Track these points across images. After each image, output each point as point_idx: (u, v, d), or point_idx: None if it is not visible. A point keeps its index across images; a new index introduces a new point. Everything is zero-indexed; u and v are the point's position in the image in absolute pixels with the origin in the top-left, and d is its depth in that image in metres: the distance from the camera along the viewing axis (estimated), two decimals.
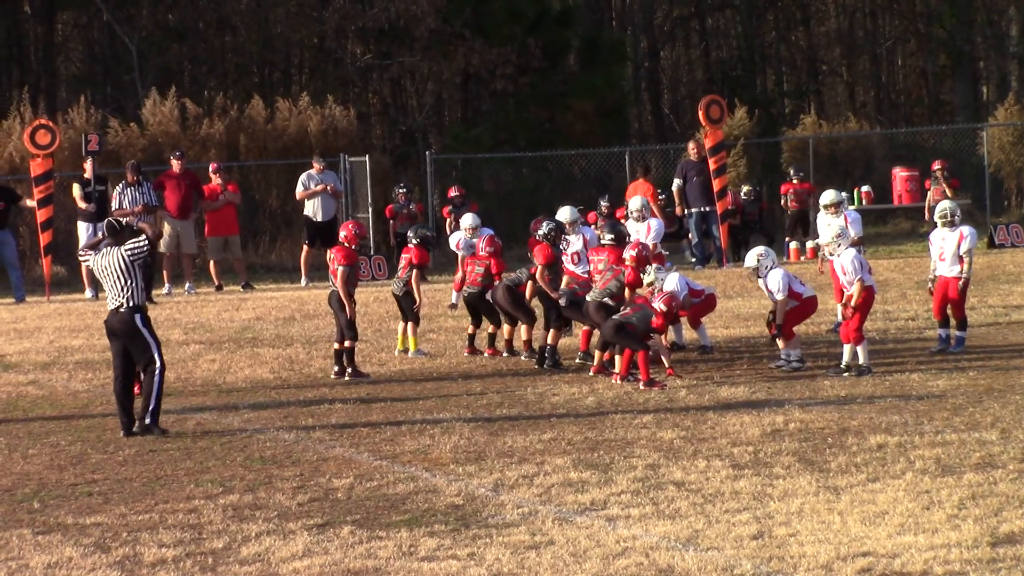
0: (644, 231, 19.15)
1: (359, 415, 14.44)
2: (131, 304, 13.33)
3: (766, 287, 16.31)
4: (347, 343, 16.56)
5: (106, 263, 13.43)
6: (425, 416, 14.17)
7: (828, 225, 17.05)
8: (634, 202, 19.79)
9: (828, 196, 17.97)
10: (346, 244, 16.73)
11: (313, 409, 14.83)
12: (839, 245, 15.97)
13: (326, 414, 14.53)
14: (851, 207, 29.01)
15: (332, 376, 16.70)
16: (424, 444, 12.88)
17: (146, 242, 13.48)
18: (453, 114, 42.91)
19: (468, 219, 20.02)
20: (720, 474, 11.25)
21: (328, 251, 17.35)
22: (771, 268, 16.26)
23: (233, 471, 12.04)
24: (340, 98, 35.56)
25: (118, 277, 13.34)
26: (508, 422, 13.78)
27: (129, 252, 13.36)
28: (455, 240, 20.28)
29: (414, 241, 17.96)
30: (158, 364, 13.35)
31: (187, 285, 25.97)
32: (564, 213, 18.39)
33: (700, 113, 28.28)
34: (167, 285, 25.67)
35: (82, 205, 25.37)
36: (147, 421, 13.42)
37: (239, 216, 28.02)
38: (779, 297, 16.09)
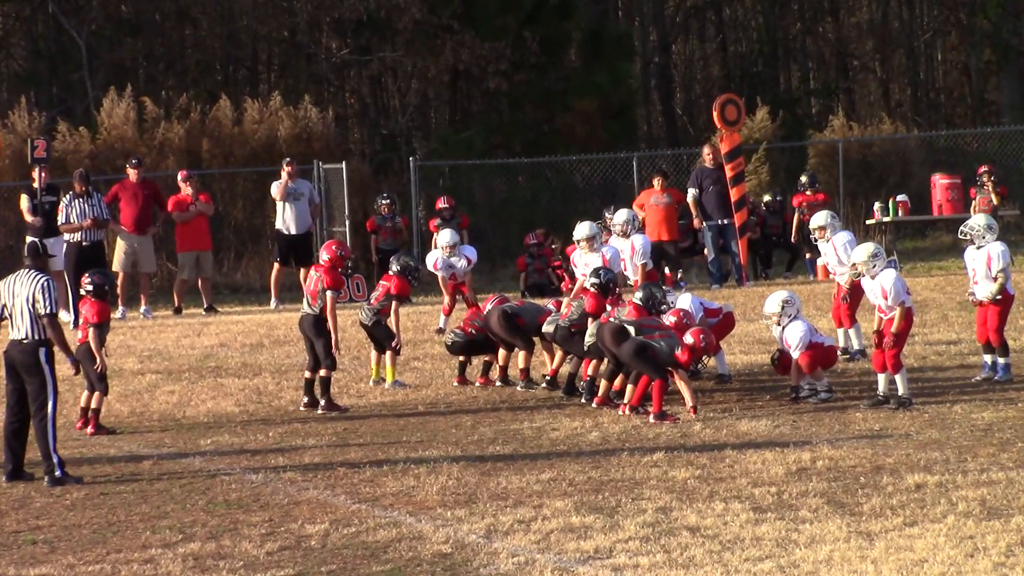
0: (628, 249, 19.25)
1: (335, 453, 14.43)
2: (37, 337, 13.39)
3: (783, 338, 16.38)
4: (323, 372, 16.57)
5: (18, 290, 13.46)
6: (409, 454, 14.17)
7: (841, 247, 17.62)
8: (619, 215, 19.88)
9: (816, 219, 18.53)
10: (331, 265, 16.72)
11: (283, 447, 14.83)
12: (874, 266, 15.98)
13: (298, 452, 14.53)
14: (871, 224, 29.26)
15: (302, 408, 16.71)
16: (408, 485, 12.88)
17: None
18: (440, 116, 42.96)
19: (446, 236, 19.79)
20: (739, 518, 11.26)
21: (302, 270, 17.33)
22: (793, 318, 16.35)
23: (194, 516, 12.04)
24: (314, 98, 35.59)
25: (27, 307, 13.37)
26: (502, 460, 13.79)
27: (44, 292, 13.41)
28: (432, 260, 19.96)
29: (395, 269, 17.88)
30: (50, 407, 13.36)
31: (143, 308, 25.91)
32: (582, 229, 18.32)
33: (715, 114, 28.31)
34: (121, 308, 25.60)
35: (28, 218, 25.35)
36: (57, 474, 13.40)
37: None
38: (795, 355, 16.18)
